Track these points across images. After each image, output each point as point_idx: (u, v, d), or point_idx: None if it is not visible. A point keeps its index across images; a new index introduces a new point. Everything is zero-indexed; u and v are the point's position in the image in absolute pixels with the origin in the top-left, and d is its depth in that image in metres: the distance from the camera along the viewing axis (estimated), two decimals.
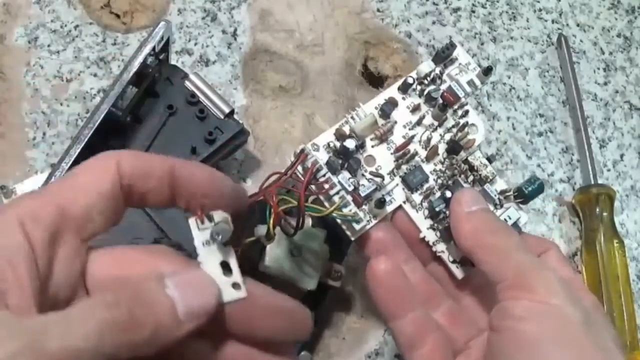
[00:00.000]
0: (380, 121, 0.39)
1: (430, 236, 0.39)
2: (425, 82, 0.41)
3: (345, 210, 0.36)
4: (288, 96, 0.57)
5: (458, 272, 0.39)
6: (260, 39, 0.58)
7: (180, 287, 0.26)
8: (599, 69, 0.64)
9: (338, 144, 0.38)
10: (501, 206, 0.40)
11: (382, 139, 0.39)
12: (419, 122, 0.40)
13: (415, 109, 0.40)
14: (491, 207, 0.39)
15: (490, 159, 0.41)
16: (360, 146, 0.38)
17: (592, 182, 0.57)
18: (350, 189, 0.37)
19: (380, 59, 0.60)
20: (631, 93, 0.63)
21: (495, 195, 0.40)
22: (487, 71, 0.41)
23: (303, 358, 0.44)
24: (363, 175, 0.38)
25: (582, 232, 0.57)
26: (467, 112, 0.41)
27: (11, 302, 0.24)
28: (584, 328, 0.32)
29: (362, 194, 0.37)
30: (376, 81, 0.59)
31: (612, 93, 0.63)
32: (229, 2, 0.59)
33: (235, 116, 0.50)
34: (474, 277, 0.40)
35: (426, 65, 0.41)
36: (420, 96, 0.41)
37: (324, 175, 0.37)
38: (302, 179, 0.36)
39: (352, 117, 0.39)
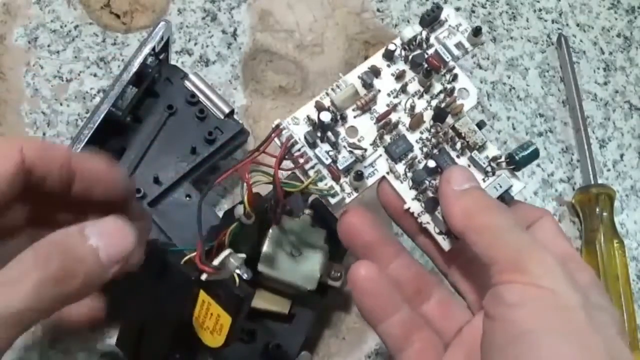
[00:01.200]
0: (363, 91, 0.38)
1: (415, 207, 0.37)
2: (412, 46, 0.39)
3: (321, 185, 0.35)
4: (288, 96, 0.57)
5: (445, 244, 0.37)
6: (260, 39, 0.58)
7: (101, 236, 0.29)
8: (599, 69, 0.64)
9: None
10: (493, 174, 0.38)
11: (364, 109, 0.38)
12: (403, 90, 0.38)
13: (400, 75, 0.39)
14: (481, 176, 0.38)
15: (480, 125, 0.39)
16: (342, 118, 0.37)
17: (592, 182, 0.57)
18: (328, 162, 0.36)
19: None
20: (631, 93, 0.63)
21: (484, 163, 0.38)
22: (476, 32, 0.39)
23: (303, 358, 0.44)
24: (344, 147, 0.37)
25: (582, 232, 0.57)
26: (455, 76, 0.39)
27: None
28: (582, 313, 0.30)
29: (340, 167, 0.36)
30: None
31: (612, 93, 0.63)
32: (229, 2, 0.59)
33: (235, 116, 0.50)
34: (464, 249, 0.37)
35: (410, 30, 0.39)
36: (405, 62, 0.39)
37: (299, 150, 0.36)
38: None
39: (332, 89, 0.37)
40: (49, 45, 0.54)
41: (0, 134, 0.51)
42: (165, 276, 0.40)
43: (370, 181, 0.37)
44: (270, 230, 0.41)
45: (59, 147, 0.34)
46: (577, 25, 0.65)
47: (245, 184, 0.34)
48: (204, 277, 0.34)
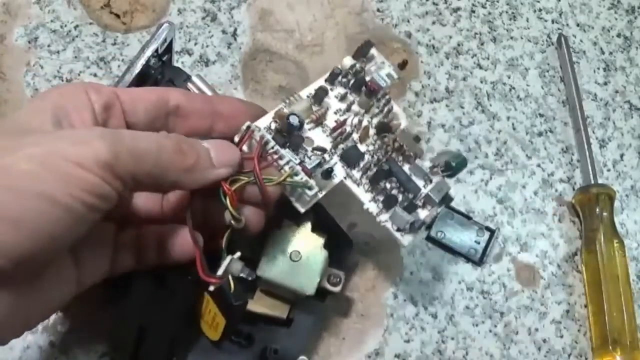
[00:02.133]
0: (315, 107, 0.41)
1: (373, 208, 0.41)
2: (350, 74, 0.43)
3: (297, 178, 0.37)
4: (288, 96, 0.56)
5: (403, 240, 0.41)
6: (260, 39, 0.58)
7: (211, 144, 0.35)
8: (599, 69, 0.64)
9: (279, 126, 0.39)
10: (430, 181, 0.43)
11: (318, 122, 0.41)
12: (348, 109, 0.43)
13: (342, 97, 0.43)
14: (422, 182, 0.43)
15: (417, 139, 0.44)
16: (302, 125, 0.40)
17: (592, 182, 0.57)
18: (297, 162, 0.38)
19: None
20: (631, 93, 0.63)
21: (425, 169, 0.43)
22: (402, 65, 0.47)
23: None
24: (305, 153, 0.39)
25: (582, 232, 0.57)
26: (389, 100, 0.44)
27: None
28: None
29: (309, 167, 0.38)
30: None
31: (612, 93, 0.63)
32: (229, 2, 0.59)
33: None
34: None
35: (349, 60, 0.44)
36: (345, 87, 0.43)
37: (272, 148, 0.37)
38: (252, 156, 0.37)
39: (288, 103, 0.40)
40: (49, 45, 0.54)
41: None
42: (164, 279, 0.40)
43: (334, 182, 0.40)
44: (270, 235, 0.41)
45: (202, 95, 0.41)
46: (577, 25, 0.65)
47: (223, 191, 0.36)
48: (211, 288, 0.35)
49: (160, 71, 0.47)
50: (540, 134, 0.60)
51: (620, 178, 0.60)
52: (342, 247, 0.46)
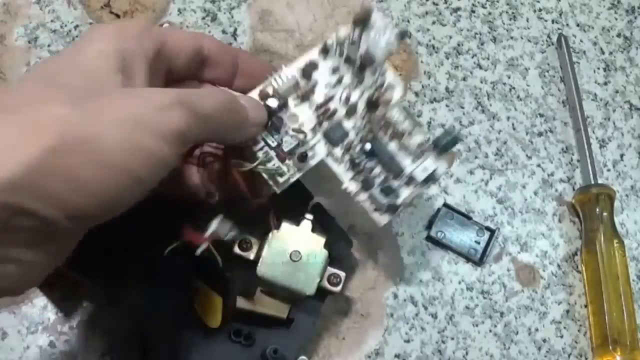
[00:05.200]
0: (302, 82, 0.41)
1: (352, 187, 0.41)
2: (345, 44, 0.43)
3: (269, 165, 0.38)
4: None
5: (380, 219, 0.42)
6: (260, 39, 0.58)
7: (247, 102, 0.36)
8: (599, 69, 0.64)
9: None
10: (420, 157, 0.43)
11: (304, 98, 0.41)
12: (339, 82, 0.42)
13: (335, 69, 0.42)
14: (410, 160, 0.42)
15: (407, 111, 0.43)
16: (283, 105, 0.40)
17: (592, 182, 0.57)
18: (274, 145, 0.39)
19: None
20: (631, 93, 0.63)
21: (412, 148, 0.43)
22: (401, 35, 0.43)
23: None
24: (287, 132, 0.40)
25: (582, 232, 0.57)
26: (384, 72, 0.43)
27: (139, 85, 0.34)
28: None
29: (285, 149, 0.39)
30: None
31: (612, 93, 0.63)
32: (229, 2, 0.59)
33: None
34: None
35: (345, 29, 0.43)
36: (339, 59, 0.43)
37: None
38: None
39: (274, 79, 0.40)
40: (49, 45, 0.54)
41: None
42: (155, 274, 0.40)
43: (311, 162, 0.41)
44: (270, 235, 0.41)
45: (229, 46, 0.43)
46: (577, 25, 0.65)
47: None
48: (199, 251, 0.36)
49: None
50: (540, 134, 0.60)
51: (620, 178, 0.60)
52: (342, 247, 0.46)
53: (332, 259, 0.44)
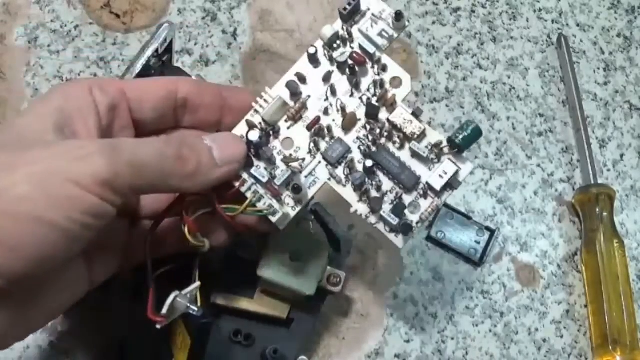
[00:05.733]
0: (291, 100, 0.37)
1: (362, 209, 0.37)
2: (336, 45, 0.38)
3: (260, 205, 0.36)
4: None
5: (397, 241, 0.37)
6: (260, 39, 0.58)
7: (215, 141, 0.34)
8: (599, 69, 0.64)
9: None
10: (438, 160, 0.37)
11: (296, 118, 0.37)
12: (332, 91, 0.37)
13: (326, 77, 0.38)
14: (424, 166, 0.37)
15: (415, 113, 0.37)
16: (275, 131, 0.37)
17: (592, 182, 0.57)
18: (265, 179, 0.35)
19: None
20: (631, 93, 0.63)
21: (424, 152, 0.37)
22: (398, 17, 0.37)
23: None
24: (282, 161, 0.37)
25: (582, 232, 0.57)
26: (385, 66, 0.38)
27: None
28: None
29: (278, 183, 0.36)
30: None
31: (612, 93, 0.63)
32: (229, 2, 0.59)
33: None
34: None
35: (329, 28, 0.37)
36: (331, 62, 0.38)
37: None
38: None
39: (260, 105, 0.37)
40: (49, 45, 0.54)
41: None
42: (140, 294, 0.39)
43: (312, 191, 0.37)
44: (271, 236, 0.41)
45: (211, 84, 0.39)
46: (577, 25, 0.65)
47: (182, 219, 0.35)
48: (158, 326, 0.33)
49: (160, 71, 0.47)
50: (540, 134, 0.60)
51: (620, 178, 0.60)
52: (342, 247, 0.46)
53: (332, 259, 0.44)
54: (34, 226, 0.27)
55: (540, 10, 0.65)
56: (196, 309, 0.33)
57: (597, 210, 0.56)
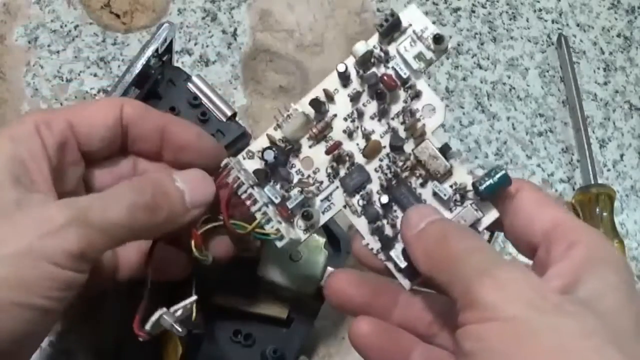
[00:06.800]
0: (315, 119, 0.36)
1: (374, 244, 0.35)
2: (371, 63, 0.35)
3: (267, 227, 0.34)
4: (288, 96, 0.57)
5: (405, 282, 0.35)
6: (260, 39, 0.58)
7: (186, 182, 0.33)
8: (599, 69, 0.64)
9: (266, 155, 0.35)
10: (461, 204, 0.34)
11: (318, 138, 0.35)
12: (359, 114, 0.35)
13: (355, 97, 0.35)
14: (444, 208, 0.34)
15: (444, 149, 0.34)
16: (296, 149, 0.36)
17: (592, 182, 0.57)
18: (277, 201, 0.34)
19: None
20: (631, 93, 0.63)
21: (445, 195, 0.34)
22: (437, 40, 0.33)
23: None
24: (296, 186, 0.35)
25: None
26: (418, 93, 0.35)
27: (40, 190, 0.31)
28: (550, 337, 0.25)
29: (290, 206, 0.35)
30: None
31: (612, 93, 0.63)
32: (229, 2, 0.59)
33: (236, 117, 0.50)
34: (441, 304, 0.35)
35: (363, 45, 0.34)
36: (362, 81, 0.35)
37: (245, 191, 0.35)
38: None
39: (283, 120, 0.35)
40: (49, 45, 0.54)
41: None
42: (136, 296, 0.39)
43: (326, 216, 0.36)
44: None
45: (157, 112, 0.36)
46: (577, 25, 0.65)
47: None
48: (141, 339, 0.33)
49: (160, 71, 0.47)
50: (540, 134, 0.60)
51: (620, 178, 0.60)
52: (342, 247, 0.46)
53: (332, 259, 0.44)
54: (11, 311, 0.27)
55: (540, 10, 0.65)
56: (180, 329, 0.32)
57: (597, 210, 0.56)
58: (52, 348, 0.46)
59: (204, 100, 0.47)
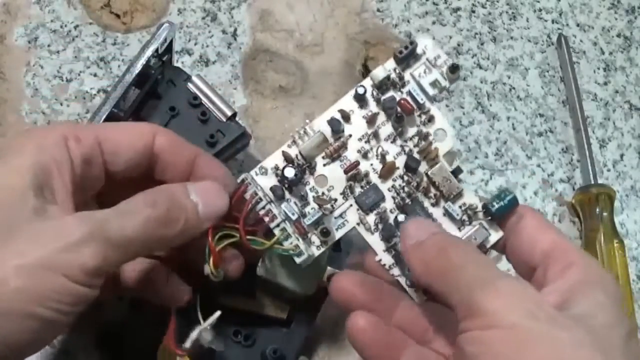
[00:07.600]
0: (332, 138, 0.37)
1: (386, 259, 0.37)
2: (385, 86, 0.37)
3: (286, 244, 0.35)
4: (288, 96, 0.57)
5: (416, 297, 0.37)
6: (260, 39, 0.58)
7: (201, 194, 0.33)
8: (599, 69, 0.64)
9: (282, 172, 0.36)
10: (470, 223, 0.37)
11: (334, 157, 0.37)
12: (375, 135, 0.37)
13: (371, 119, 0.37)
14: (455, 227, 0.37)
15: (455, 172, 0.37)
16: (310, 167, 0.36)
17: (592, 182, 0.57)
18: (295, 217, 0.35)
19: (380, 59, 0.59)
20: (631, 93, 0.63)
21: (458, 215, 0.36)
22: (453, 69, 0.36)
23: None
24: (312, 199, 0.36)
25: (582, 232, 0.57)
26: (432, 117, 0.37)
27: (59, 200, 0.31)
28: (547, 345, 0.27)
29: (308, 223, 0.35)
30: None
31: (612, 93, 0.63)
32: (229, 2, 0.59)
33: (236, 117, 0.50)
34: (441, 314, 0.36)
35: (381, 70, 0.36)
36: (378, 104, 0.37)
37: (263, 207, 0.35)
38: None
39: (299, 137, 0.36)
40: (49, 45, 0.54)
41: (0, 134, 0.51)
42: (141, 307, 0.39)
43: (340, 233, 0.37)
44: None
45: (189, 144, 0.37)
46: (577, 25, 0.65)
47: (208, 246, 0.34)
48: (179, 358, 0.33)
49: (160, 71, 0.47)
50: (540, 134, 0.60)
51: (620, 178, 0.60)
52: (342, 247, 0.46)
53: (332, 259, 0.44)
54: (21, 321, 0.28)
55: (540, 10, 0.65)
56: (219, 345, 0.33)
57: (597, 210, 0.56)
58: (52, 348, 0.46)
59: (204, 100, 0.47)
